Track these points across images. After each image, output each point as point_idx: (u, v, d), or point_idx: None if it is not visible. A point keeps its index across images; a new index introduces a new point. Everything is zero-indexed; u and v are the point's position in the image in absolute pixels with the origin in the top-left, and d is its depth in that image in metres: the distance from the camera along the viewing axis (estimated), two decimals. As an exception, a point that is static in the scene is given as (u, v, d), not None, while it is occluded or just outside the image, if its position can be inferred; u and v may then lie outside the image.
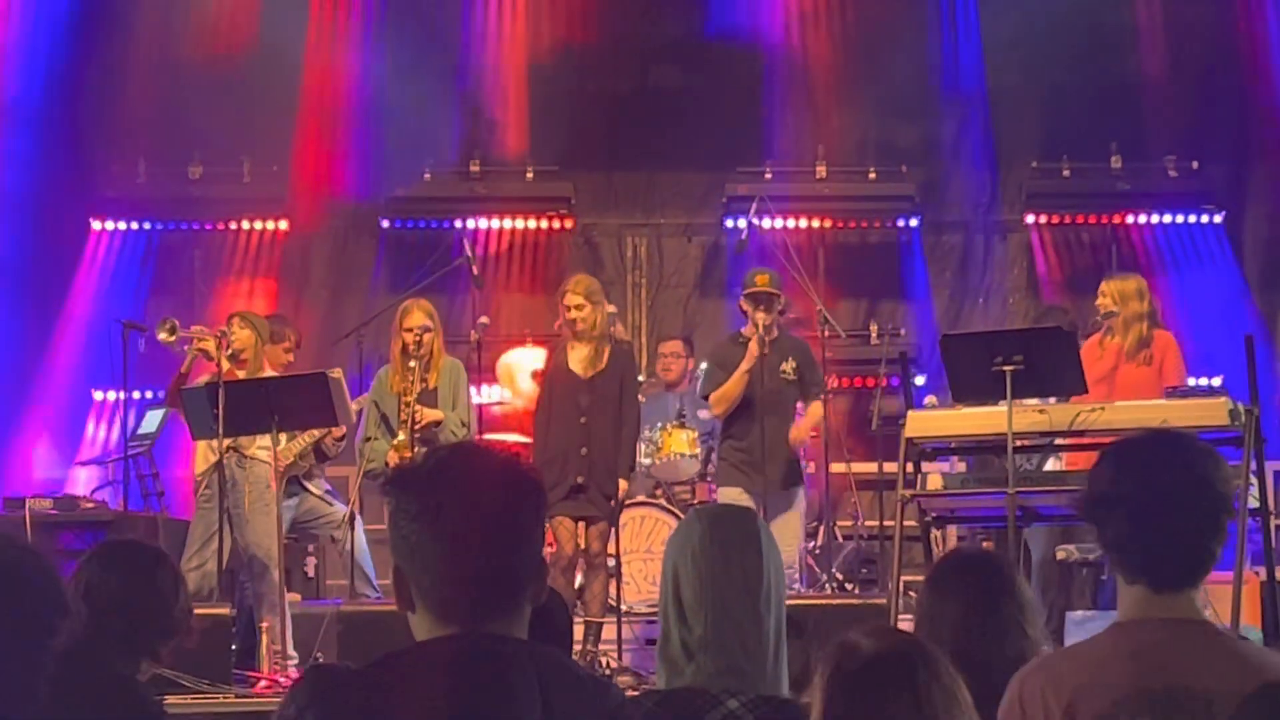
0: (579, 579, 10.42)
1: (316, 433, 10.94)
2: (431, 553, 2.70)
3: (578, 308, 10.19)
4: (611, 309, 10.62)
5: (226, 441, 10.15)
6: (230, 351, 10.49)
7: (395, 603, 2.79)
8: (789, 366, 10.54)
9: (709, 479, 11.80)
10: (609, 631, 10.20)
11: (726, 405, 10.52)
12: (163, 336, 10.59)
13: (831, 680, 2.94)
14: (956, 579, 4.24)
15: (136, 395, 12.53)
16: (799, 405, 10.75)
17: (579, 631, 10.03)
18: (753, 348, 10.36)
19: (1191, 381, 11.96)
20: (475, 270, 12.54)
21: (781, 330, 10.80)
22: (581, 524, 10.13)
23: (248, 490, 10.28)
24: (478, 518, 2.69)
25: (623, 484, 10.32)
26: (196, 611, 9.65)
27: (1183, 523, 3.18)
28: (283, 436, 10.46)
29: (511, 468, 2.78)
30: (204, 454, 10.42)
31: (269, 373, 10.59)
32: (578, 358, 10.25)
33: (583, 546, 10.17)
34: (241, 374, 10.44)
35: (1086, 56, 14.29)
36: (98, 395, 13.72)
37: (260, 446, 10.21)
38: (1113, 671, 3.19)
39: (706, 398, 10.75)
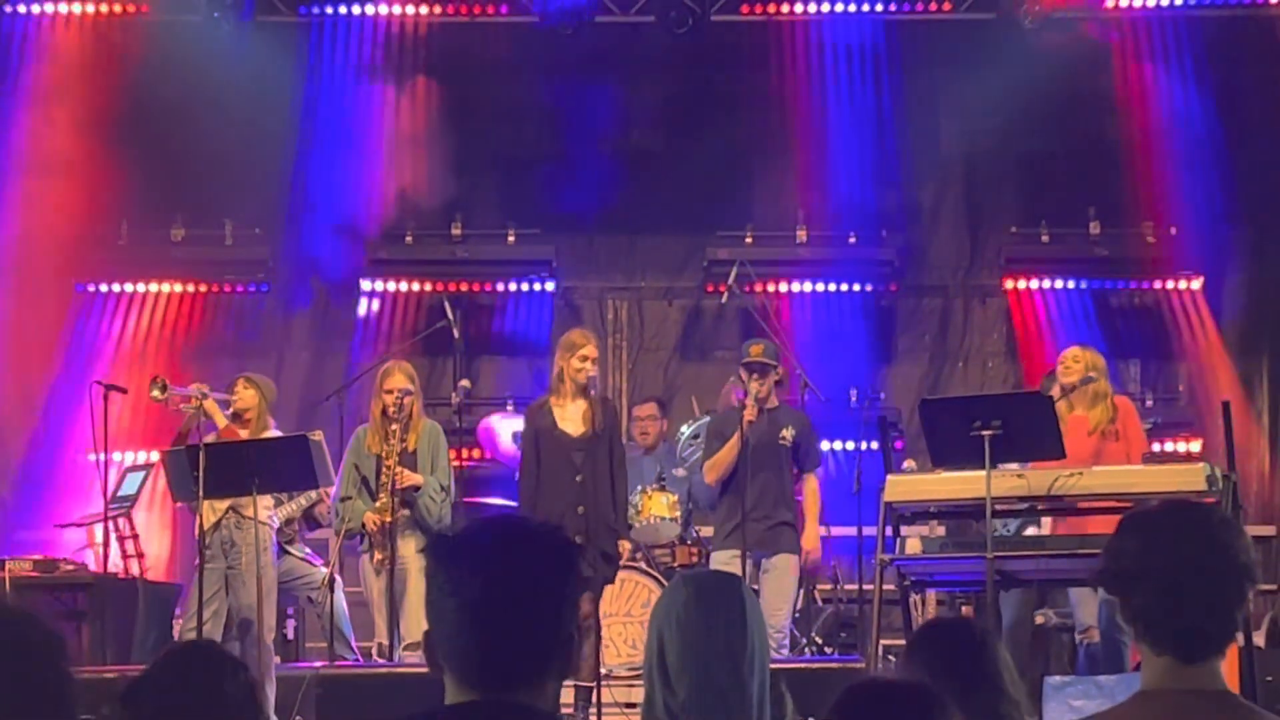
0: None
1: (311, 497, 11.01)
2: (454, 622, 2.76)
3: (594, 360, 10.21)
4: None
5: (227, 502, 10.20)
6: (232, 411, 10.58)
7: (426, 665, 2.84)
8: (788, 434, 10.61)
9: (689, 542, 11.79)
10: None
11: (718, 473, 10.60)
12: (155, 394, 10.64)
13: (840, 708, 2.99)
14: (929, 646, 4.27)
15: (117, 457, 12.52)
16: (795, 473, 10.80)
17: (568, 695, 10.02)
18: (747, 414, 10.42)
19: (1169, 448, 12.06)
20: (456, 333, 12.57)
21: (783, 401, 10.88)
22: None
23: (244, 551, 10.28)
24: (501, 592, 2.74)
25: (625, 544, 10.33)
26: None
27: (1211, 594, 3.19)
28: (270, 499, 10.52)
29: (544, 542, 2.81)
30: (208, 514, 10.43)
31: (273, 433, 10.65)
32: (567, 416, 10.16)
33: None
34: (244, 433, 10.52)
35: (1064, 123, 14.39)
36: (78, 457, 13.68)
37: (262, 507, 10.23)
38: None
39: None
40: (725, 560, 10.38)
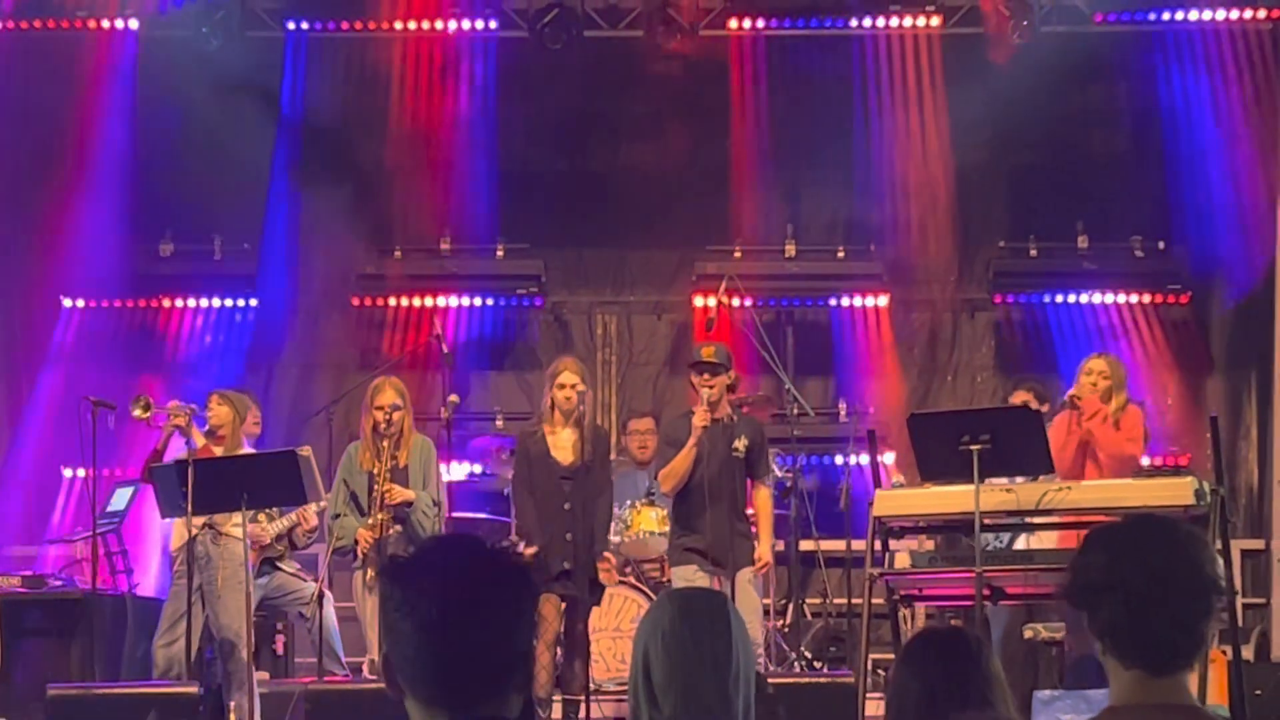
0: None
1: (292, 519, 11.01)
2: (413, 643, 2.75)
3: (574, 386, 10.23)
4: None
5: (202, 519, 10.18)
6: (208, 428, 10.57)
7: (386, 687, 2.83)
8: (740, 444, 10.18)
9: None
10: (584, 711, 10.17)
11: (675, 482, 10.22)
12: (137, 413, 10.64)
13: None
14: (921, 656, 4.28)
15: (105, 473, 12.50)
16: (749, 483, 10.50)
17: (557, 710, 10.04)
18: (696, 420, 10.15)
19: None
20: (445, 348, 12.56)
21: (735, 409, 10.64)
22: (565, 604, 10.17)
23: (221, 567, 10.28)
24: (458, 611, 2.74)
25: (611, 559, 10.41)
26: (163, 690, 9.69)
27: (1178, 606, 3.19)
28: (262, 516, 10.53)
29: (497, 561, 2.81)
30: (180, 531, 10.43)
31: (246, 449, 10.65)
32: (559, 444, 10.30)
33: (563, 630, 10.19)
34: (219, 450, 10.52)
35: (1052, 137, 14.43)
36: (67, 473, 13.66)
37: (235, 524, 10.21)
38: None
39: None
40: (689, 575, 10.08)
